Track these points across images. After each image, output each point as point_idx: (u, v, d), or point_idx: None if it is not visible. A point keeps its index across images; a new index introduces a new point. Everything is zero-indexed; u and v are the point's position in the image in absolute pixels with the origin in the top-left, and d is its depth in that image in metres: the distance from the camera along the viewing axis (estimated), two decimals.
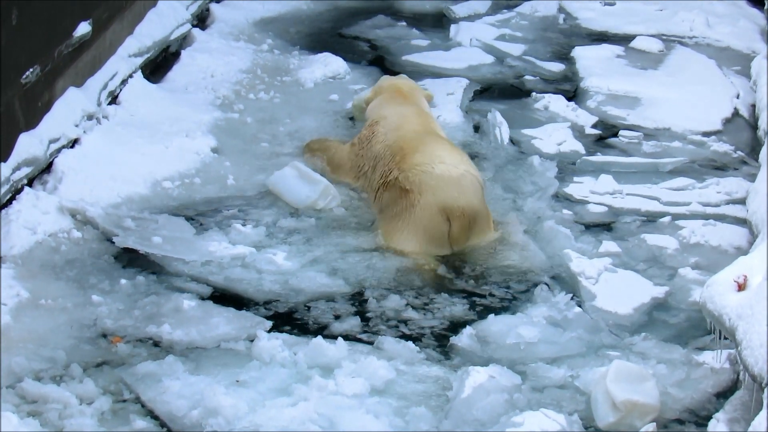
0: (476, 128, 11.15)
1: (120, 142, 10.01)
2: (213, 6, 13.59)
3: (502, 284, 8.56)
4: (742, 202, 9.66)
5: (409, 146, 9.24)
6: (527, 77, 12.67)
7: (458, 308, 8.24)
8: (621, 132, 11.26)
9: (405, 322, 8.06)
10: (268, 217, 9.27)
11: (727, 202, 9.94)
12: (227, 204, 9.46)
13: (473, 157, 10.31)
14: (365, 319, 8.05)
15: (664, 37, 13.81)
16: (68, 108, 9.74)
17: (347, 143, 10.18)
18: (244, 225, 9.02)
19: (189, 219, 9.14)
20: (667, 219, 9.54)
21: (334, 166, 10.05)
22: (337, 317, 8.07)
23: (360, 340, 7.78)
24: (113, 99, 10.65)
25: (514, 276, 8.67)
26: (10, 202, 8.76)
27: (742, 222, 9.34)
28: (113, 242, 8.66)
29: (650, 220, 9.60)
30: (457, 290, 8.47)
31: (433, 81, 12.16)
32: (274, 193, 9.57)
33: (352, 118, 11.21)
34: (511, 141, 10.82)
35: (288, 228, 9.13)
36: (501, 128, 10.81)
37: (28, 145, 9.01)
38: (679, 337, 7.98)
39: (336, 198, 9.50)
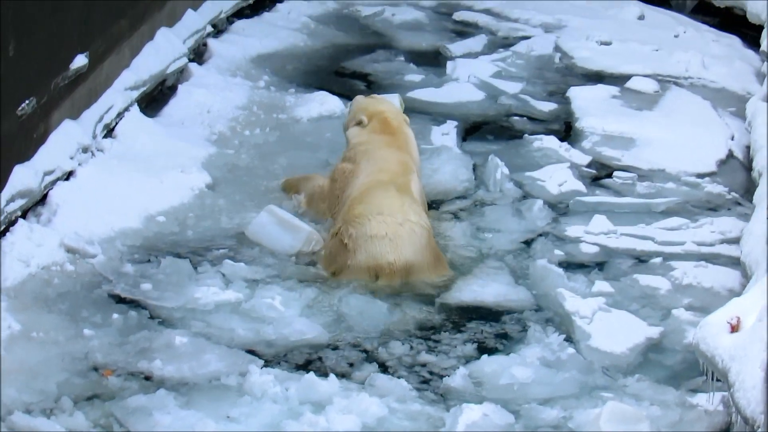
0: (474, 168, 11.14)
1: (115, 176, 10.00)
2: (210, 41, 13.63)
3: (492, 323, 8.55)
4: (736, 241, 9.64)
5: (360, 196, 9.21)
6: (519, 117, 12.69)
7: (461, 349, 8.18)
8: (615, 173, 11.26)
9: (423, 365, 7.97)
10: (261, 257, 9.21)
11: (722, 242, 9.95)
12: (220, 243, 9.41)
13: (475, 203, 10.30)
14: (382, 366, 7.92)
15: (660, 78, 13.87)
16: (63, 140, 9.73)
17: (328, 177, 10.07)
18: (235, 262, 8.96)
19: (181, 256, 9.07)
20: (659, 260, 9.53)
21: (315, 202, 9.98)
22: (350, 365, 7.94)
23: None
24: (109, 132, 10.65)
25: (504, 314, 8.67)
26: (3, 233, 8.73)
27: (736, 262, 9.32)
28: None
29: (643, 260, 9.60)
30: (455, 328, 8.45)
31: (427, 121, 12.18)
32: (255, 242, 9.41)
33: None
34: (514, 183, 10.79)
35: (280, 270, 9.04)
36: (501, 169, 10.75)
37: (23, 176, 9.00)
38: (673, 379, 7.94)
39: (319, 242, 9.36)
